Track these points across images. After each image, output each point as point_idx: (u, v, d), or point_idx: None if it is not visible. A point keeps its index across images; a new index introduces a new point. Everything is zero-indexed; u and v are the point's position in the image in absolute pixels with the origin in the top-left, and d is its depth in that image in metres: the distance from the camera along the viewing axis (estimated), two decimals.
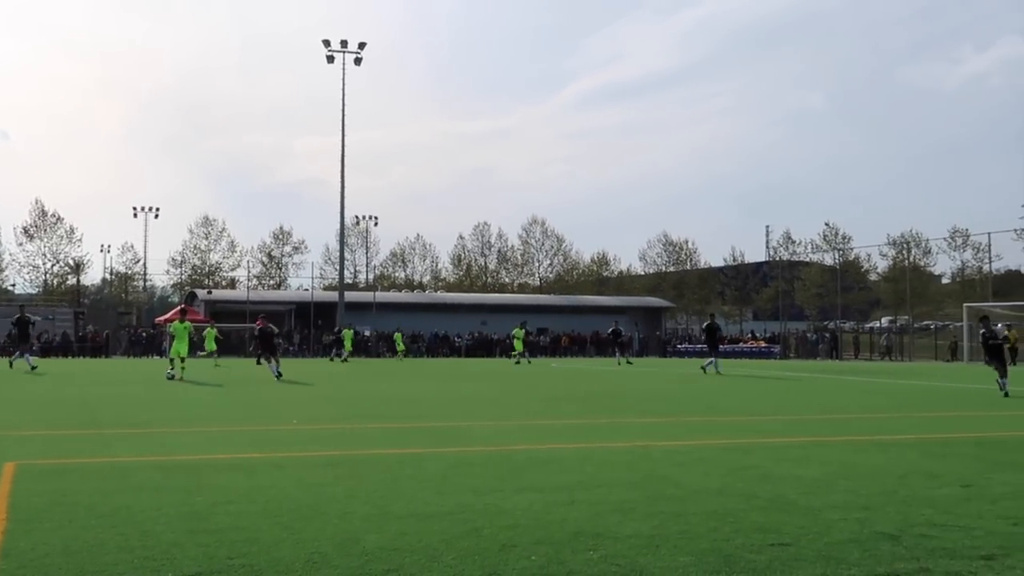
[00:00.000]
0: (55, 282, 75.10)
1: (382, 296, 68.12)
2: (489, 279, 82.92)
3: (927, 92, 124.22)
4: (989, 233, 62.85)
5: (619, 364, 39.28)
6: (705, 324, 36.44)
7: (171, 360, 24.77)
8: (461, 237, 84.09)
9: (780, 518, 5.80)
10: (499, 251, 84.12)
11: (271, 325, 26.34)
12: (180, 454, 9.06)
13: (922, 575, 4.53)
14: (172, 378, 23.22)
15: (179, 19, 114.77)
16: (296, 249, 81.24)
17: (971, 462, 8.60)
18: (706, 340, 32.61)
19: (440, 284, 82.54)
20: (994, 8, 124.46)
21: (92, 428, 11.37)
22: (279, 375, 23.51)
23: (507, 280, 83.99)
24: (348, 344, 45.79)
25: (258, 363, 32.80)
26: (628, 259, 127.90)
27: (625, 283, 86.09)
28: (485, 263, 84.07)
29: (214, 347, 37.47)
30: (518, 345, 42.44)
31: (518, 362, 41.23)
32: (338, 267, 65.13)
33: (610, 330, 43.22)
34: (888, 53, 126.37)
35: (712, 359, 30.04)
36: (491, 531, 5.56)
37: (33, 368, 27.43)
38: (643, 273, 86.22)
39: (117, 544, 5.04)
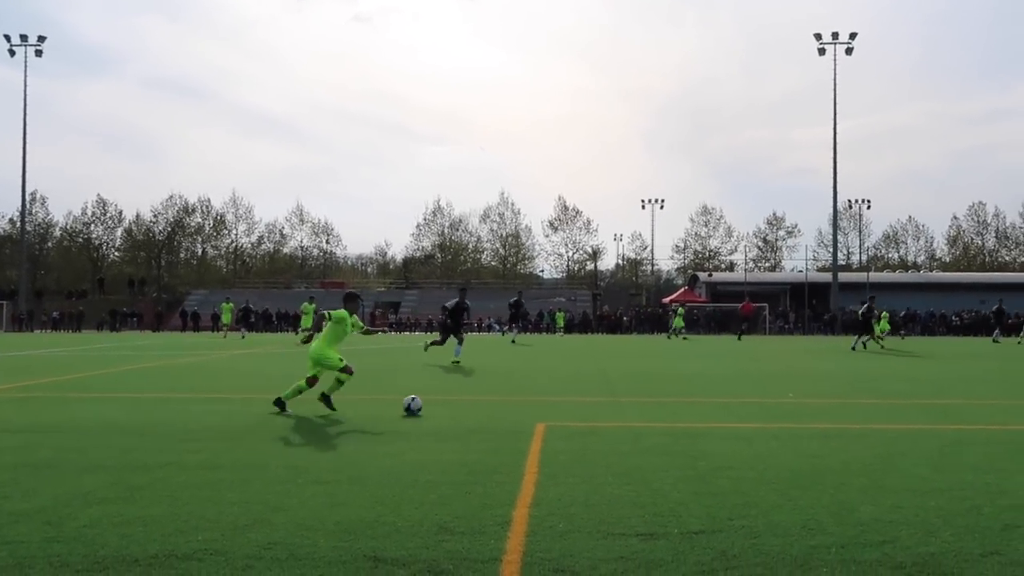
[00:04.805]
0: (576, 268, 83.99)
1: (875, 276, 68.41)
2: (987, 258, 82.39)
3: None
4: None
5: None
6: None
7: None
8: (955, 217, 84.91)
9: None
10: (996, 230, 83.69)
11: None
12: (685, 422, 9.66)
13: None
14: None
15: (688, 32, 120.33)
16: (790, 233, 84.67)
17: None
18: None
19: (935, 264, 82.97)
20: None
21: (609, 396, 12.54)
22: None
23: (1007, 259, 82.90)
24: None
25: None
26: None
27: None
28: (982, 243, 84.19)
29: (229, 320, 40.64)
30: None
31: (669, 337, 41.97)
32: (831, 249, 68.94)
33: None
34: None
35: None
36: (992, 511, 5.29)
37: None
38: None
39: (630, 500, 5.60)
